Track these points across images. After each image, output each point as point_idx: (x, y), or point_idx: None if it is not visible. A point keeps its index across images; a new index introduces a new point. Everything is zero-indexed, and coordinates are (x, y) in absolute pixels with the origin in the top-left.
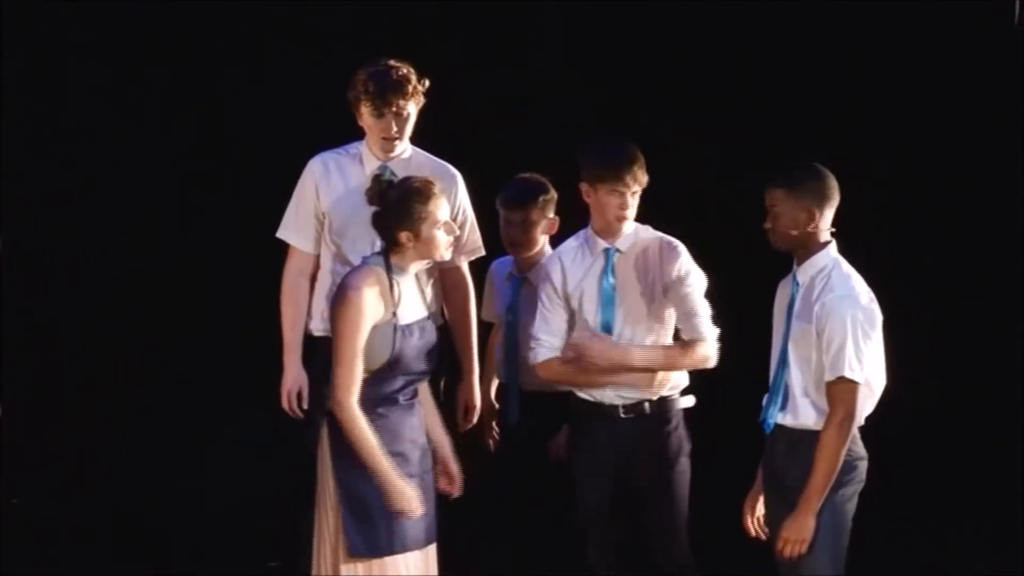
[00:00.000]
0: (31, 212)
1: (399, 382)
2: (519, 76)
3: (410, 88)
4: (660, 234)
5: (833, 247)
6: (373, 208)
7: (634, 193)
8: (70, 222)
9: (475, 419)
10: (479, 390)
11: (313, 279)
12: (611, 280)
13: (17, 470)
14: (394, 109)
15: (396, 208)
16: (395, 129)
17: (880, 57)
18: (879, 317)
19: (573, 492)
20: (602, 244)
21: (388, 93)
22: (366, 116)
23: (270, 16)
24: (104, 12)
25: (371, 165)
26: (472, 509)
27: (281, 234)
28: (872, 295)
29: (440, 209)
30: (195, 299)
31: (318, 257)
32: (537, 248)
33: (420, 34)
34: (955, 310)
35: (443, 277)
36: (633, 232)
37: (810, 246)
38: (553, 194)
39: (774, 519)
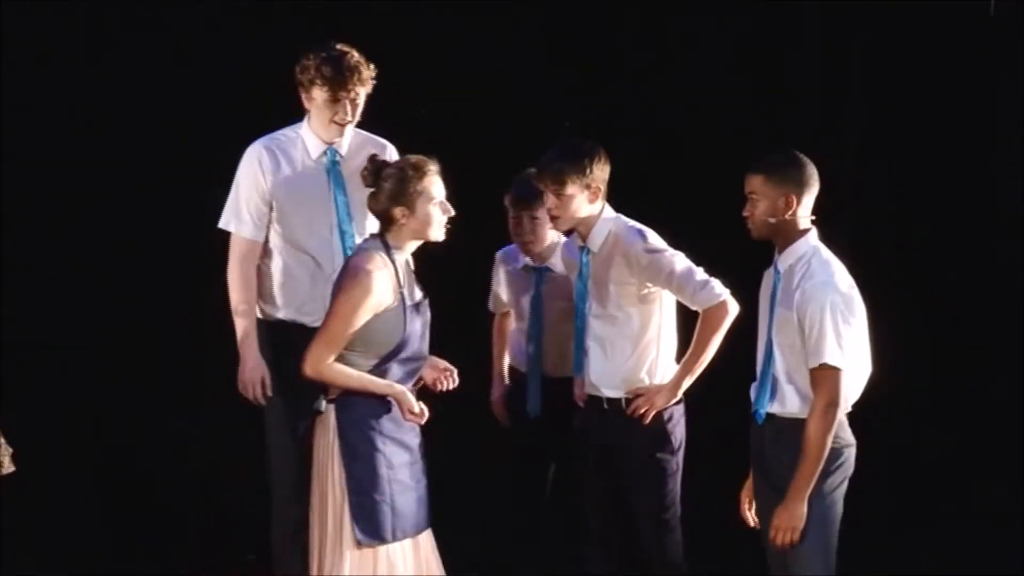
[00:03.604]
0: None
1: (405, 368)
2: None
3: (365, 74)
4: (626, 225)
5: (813, 234)
6: (369, 189)
7: (555, 193)
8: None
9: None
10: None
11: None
12: (582, 281)
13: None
14: (351, 95)
15: (392, 185)
16: (349, 114)
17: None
18: (859, 304)
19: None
20: (578, 242)
21: (346, 79)
22: (318, 100)
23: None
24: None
25: (316, 148)
26: (496, 500)
27: (225, 224)
28: (852, 282)
29: (435, 186)
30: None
31: (262, 244)
32: (549, 242)
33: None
34: (945, 297)
35: None
36: (604, 229)
37: (790, 234)
38: None
39: (764, 508)
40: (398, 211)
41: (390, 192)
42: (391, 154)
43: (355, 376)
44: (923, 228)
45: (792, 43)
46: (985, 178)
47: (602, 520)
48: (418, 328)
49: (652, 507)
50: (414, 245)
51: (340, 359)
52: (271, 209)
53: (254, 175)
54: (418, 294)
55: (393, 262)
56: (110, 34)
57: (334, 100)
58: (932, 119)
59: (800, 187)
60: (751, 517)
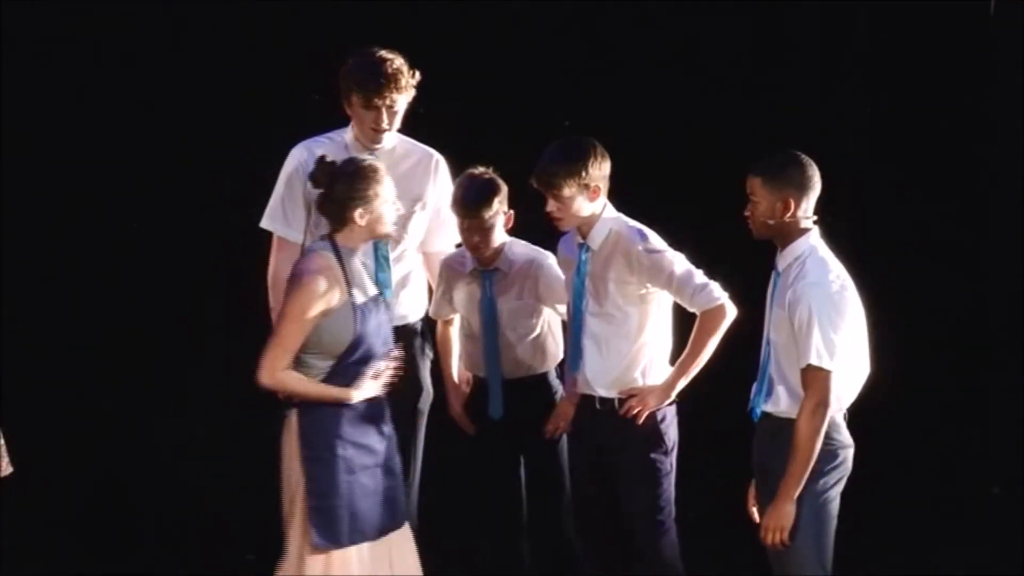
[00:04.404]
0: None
1: (364, 368)
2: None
3: (403, 82)
4: (627, 225)
5: (814, 234)
6: (319, 191)
7: (554, 197)
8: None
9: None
10: (450, 385)
11: None
12: (580, 278)
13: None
14: (387, 102)
15: (349, 187)
16: (386, 121)
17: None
18: (854, 304)
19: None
20: (578, 239)
21: (381, 86)
22: (357, 107)
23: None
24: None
25: (357, 153)
26: (462, 504)
27: (267, 224)
28: (846, 282)
29: (386, 185)
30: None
31: (302, 247)
32: (497, 244)
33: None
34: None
35: (430, 263)
36: (605, 227)
37: (789, 234)
38: (505, 189)
39: (762, 507)
40: (357, 212)
41: (346, 193)
42: (438, 164)
43: (308, 384)
44: (923, 228)
45: (792, 43)
46: (985, 178)
47: (595, 520)
48: (372, 327)
49: (646, 508)
50: (366, 244)
51: (297, 361)
52: (309, 212)
53: (295, 177)
54: (370, 292)
55: (341, 262)
56: (110, 34)
57: (370, 107)
58: (932, 119)
59: (799, 189)
60: (757, 515)
